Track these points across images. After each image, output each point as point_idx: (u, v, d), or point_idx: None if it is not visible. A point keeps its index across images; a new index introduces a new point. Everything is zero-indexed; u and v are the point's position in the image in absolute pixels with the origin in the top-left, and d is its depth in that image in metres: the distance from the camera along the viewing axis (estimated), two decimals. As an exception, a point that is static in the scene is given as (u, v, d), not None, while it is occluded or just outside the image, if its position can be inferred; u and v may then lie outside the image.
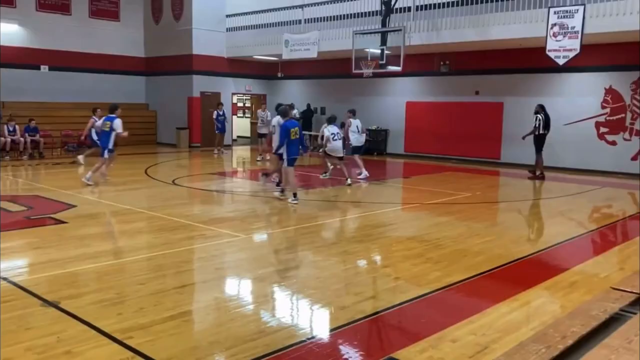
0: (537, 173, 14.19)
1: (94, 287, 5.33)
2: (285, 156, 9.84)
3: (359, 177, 13.12)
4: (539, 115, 14.04)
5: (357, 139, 13.68)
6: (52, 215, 8.43)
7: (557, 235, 7.99)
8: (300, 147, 10.30)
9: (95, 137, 13.81)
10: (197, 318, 4.71)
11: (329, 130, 12.63)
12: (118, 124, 11.39)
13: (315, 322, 4.72)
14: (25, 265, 6.19)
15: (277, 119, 10.85)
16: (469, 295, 5.43)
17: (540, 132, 13.97)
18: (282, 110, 10.19)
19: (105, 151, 11.51)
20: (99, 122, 12.68)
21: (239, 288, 5.68)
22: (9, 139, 16.57)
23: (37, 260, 6.20)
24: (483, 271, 6.03)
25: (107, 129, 11.44)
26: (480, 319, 4.62)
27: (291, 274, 5.90)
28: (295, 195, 9.94)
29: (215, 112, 19.94)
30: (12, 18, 19.41)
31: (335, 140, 12.54)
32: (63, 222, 8.00)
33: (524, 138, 14.40)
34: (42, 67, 20.38)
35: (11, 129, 16.80)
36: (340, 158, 12.72)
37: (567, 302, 5.09)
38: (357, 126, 13.70)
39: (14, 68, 19.43)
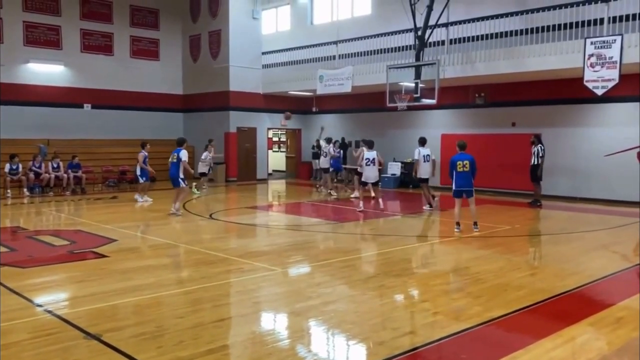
0: (538, 202, 14.73)
1: (134, 320, 5.41)
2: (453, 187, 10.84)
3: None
4: (540, 145, 14.52)
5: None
6: (94, 249, 8.63)
7: (601, 269, 7.75)
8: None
9: (139, 172, 15.32)
10: (236, 352, 4.71)
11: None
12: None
13: (352, 357, 4.67)
14: (68, 298, 6.33)
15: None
16: (510, 330, 5.29)
17: (540, 161, 14.54)
18: (461, 144, 11.18)
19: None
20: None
21: (277, 322, 5.67)
22: (52, 175, 17.13)
23: (79, 294, 6.33)
24: (525, 306, 5.89)
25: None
26: (523, 355, 4.50)
27: (328, 308, 5.85)
28: (457, 224, 10.51)
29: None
30: (58, 60, 20.35)
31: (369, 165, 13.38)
32: (104, 256, 8.18)
33: (540, 171, 14.68)
34: (85, 105, 21.18)
35: (55, 165, 17.37)
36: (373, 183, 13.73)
37: (615, 339, 4.92)
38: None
39: (59, 107, 20.28)
